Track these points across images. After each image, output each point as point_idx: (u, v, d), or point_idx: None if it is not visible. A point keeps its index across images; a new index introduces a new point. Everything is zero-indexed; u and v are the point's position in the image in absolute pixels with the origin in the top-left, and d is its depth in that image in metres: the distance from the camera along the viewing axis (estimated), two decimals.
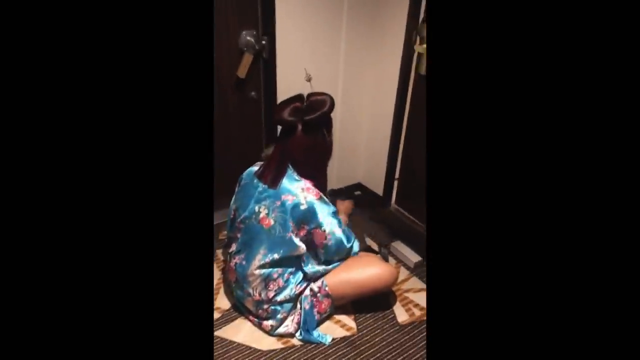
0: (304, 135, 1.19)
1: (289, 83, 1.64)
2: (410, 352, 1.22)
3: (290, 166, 1.22)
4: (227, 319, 1.31)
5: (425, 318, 1.34)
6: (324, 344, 1.22)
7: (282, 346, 1.23)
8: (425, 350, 1.23)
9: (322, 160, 1.30)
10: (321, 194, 1.24)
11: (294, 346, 1.22)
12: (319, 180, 1.28)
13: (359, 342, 1.25)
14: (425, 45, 1.54)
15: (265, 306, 1.23)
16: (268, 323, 1.25)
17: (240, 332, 1.27)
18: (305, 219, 1.19)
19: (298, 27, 1.58)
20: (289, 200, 1.18)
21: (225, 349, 1.21)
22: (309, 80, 1.61)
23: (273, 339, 1.25)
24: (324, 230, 1.21)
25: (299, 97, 1.21)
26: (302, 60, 1.64)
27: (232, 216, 1.34)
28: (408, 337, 1.27)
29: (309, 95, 1.21)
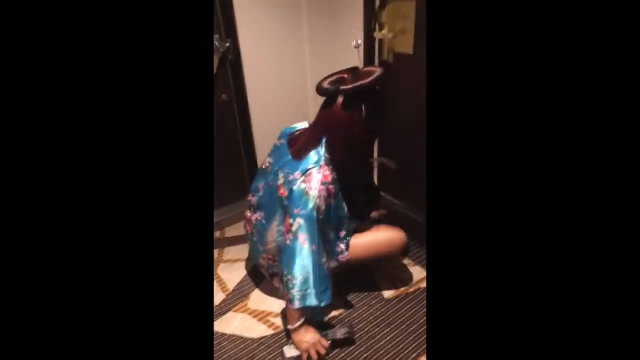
0: (341, 109, 1.05)
1: (258, 84, 1.69)
2: (396, 323, 1.26)
3: (323, 143, 1.09)
4: (218, 312, 1.35)
5: (409, 290, 1.38)
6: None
7: (273, 332, 1.26)
8: (411, 320, 1.26)
9: (356, 145, 1.10)
10: (332, 194, 1.07)
11: (284, 331, 1.26)
12: (347, 173, 1.12)
13: (347, 320, 1.28)
14: (384, 31, 1.59)
15: (277, 270, 1.24)
16: (279, 279, 1.25)
17: (231, 324, 1.30)
18: (290, 200, 1.08)
19: (260, 28, 1.64)
20: (297, 177, 1.09)
21: (218, 340, 1.24)
22: (357, 47, 1.47)
23: (264, 327, 1.28)
24: (291, 224, 1.07)
25: (351, 69, 1.09)
26: (267, 61, 1.69)
27: (264, 166, 1.27)
28: (394, 309, 1.31)
29: (362, 68, 1.10)
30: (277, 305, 1.36)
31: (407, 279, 1.43)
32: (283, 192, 1.14)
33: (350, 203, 1.19)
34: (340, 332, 1.17)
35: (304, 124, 1.25)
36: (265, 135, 1.76)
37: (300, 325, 1.13)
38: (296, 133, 1.20)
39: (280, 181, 1.15)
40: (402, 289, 1.39)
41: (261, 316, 1.32)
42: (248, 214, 1.33)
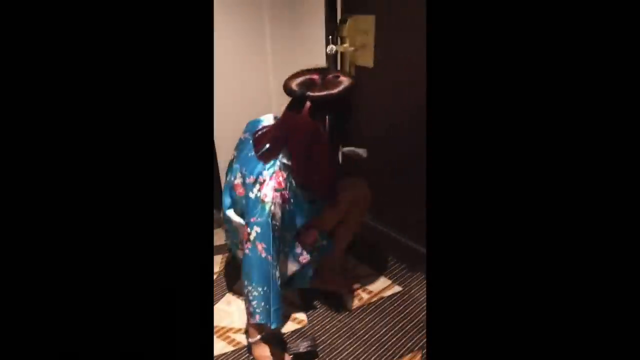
0: (308, 116, 0.99)
1: (224, 92, 1.67)
2: (359, 333, 1.25)
3: (285, 149, 1.05)
4: None
5: (372, 299, 1.39)
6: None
7: (233, 348, 1.22)
8: (373, 330, 1.26)
9: (318, 159, 1.04)
10: (287, 200, 1.06)
11: (245, 347, 1.22)
12: (309, 188, 1.09)
13: (310, 332, 1.26)
14: (346, 45, 1.63)
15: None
16: None
17: None
18: (247, 207, 1.07)
19: (220, 37, 1.62)
20: (252, 181, 1.06)
21: None
22: (331, 52, 1.45)
23: (223, 343, 1.23)
24: (249, 233, 1.05)
25: (321, 70, 1.04)
26: (231, 70, 1.68)
27: (231, 158, 1.25)
28: (357, 320, 1.30)
29: (335, 72, 1.04)
30: (239, 321, 1.32)
31: (370, 288, 1.44)
32: (241, 191, 1.12)
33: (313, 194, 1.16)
34: (302, 346, 1.14)
35: (269, 118, 1.21)
36: (226, 140, 1.73)
37: (261, 339, 1.10)
38: (261, 130, 1.15)
39: (239, 180, 1.13)
40: (365, 298, 1.39)
41: (221, 332, 1.28)
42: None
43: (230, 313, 1.35)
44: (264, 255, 1.04)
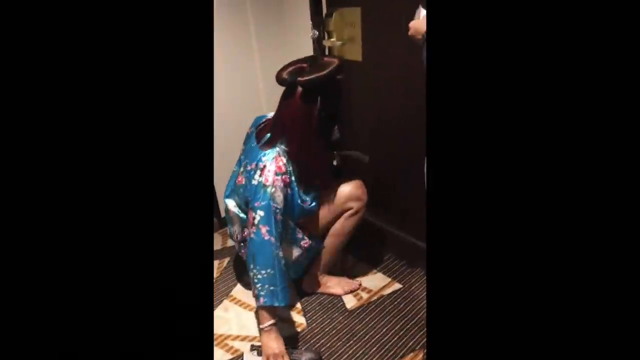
0: (300, 101, 1.06)
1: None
2: (359, 334, 1.23)
3: (283, 135, 1.10)
4: None
5: (372, 299, 1.36)
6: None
7: (231, 356, 1.19)
8: (374, 330, 1.24)
9: (312, 135, 1.10)
10: (288, 184, 1.09)
11: (241, 356, 1.19)
12: (306, 172, 1.13)
13: (309, 336, 1.24)
14: (333, 39, 1.59)
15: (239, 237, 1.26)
16: (244, 252, 1.23)
17: None
18: (251, 194, 1.10)
19: None
20: (252, 168, 1.10)
21: None
22: (313, 37, 1.47)
23: (221, 351, 1.21)
24: (254, 218, 1.08)
25: (309, 58, 1.12)
26: (217, 69, 1.64)
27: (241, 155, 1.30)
28: (357, 320, 1.28)
29: (322, 59, 1.12)
30: (236, 328, 1.30)
31: (370, 287, 1.41)
32: (240, 180, 1.18)
33: (311, 185, 1.20)
34: (305, 356, 1.12)
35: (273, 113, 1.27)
36: (216, 139, 1.70)
37: (272, 328, 1.10)
38: (263, 123, 1.22)
39: (242, 169, 1.18)
40: (364, 297, 1.37)
41: (219, 340, 1.25)
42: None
43: (228, 320, 1.32)
44: (267, 237, 1.07)
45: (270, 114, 1.25)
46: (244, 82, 1.76)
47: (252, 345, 1.19)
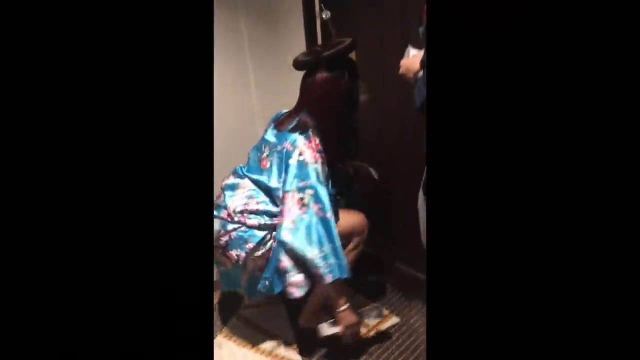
0: (324, 73, 1.09)
1: None
2: None
3: (311, 115, 1.11)
4: None
5: (370, 334, 1.32)
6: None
7: None
8: None
9: (340, 110, 1.12)
10: (324, 164, 1.09)
11: None
12: (334, 146, 1.12)
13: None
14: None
15: (231, 227, 1.12)
16: (233, 253, 1.12)
17: None
18: (287, 175, 1.08)
19: None
20: (287, 147, 1.09)
21: None
22: (326, 17, 1.45)
23: None
24: (301, 199, 1.05)
25: (319, 45, 1.21)
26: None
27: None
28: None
29: (332, 41, 1.15)
30: None
31: (368, 321, 1.37)
32: (265, 164, 1.15)
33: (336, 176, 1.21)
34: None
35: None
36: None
37: (348, 307, 1.13)
38: (283, 116, 1.21)
39: (265, 153, 1.16)
40: (362, 333, 1.32)
41: None
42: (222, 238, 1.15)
43: (220, 357, 1.29)
44: (321, 215, 1.06)
45: (285, 110, 1.23)
46: (238, 94, 1.61)
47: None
